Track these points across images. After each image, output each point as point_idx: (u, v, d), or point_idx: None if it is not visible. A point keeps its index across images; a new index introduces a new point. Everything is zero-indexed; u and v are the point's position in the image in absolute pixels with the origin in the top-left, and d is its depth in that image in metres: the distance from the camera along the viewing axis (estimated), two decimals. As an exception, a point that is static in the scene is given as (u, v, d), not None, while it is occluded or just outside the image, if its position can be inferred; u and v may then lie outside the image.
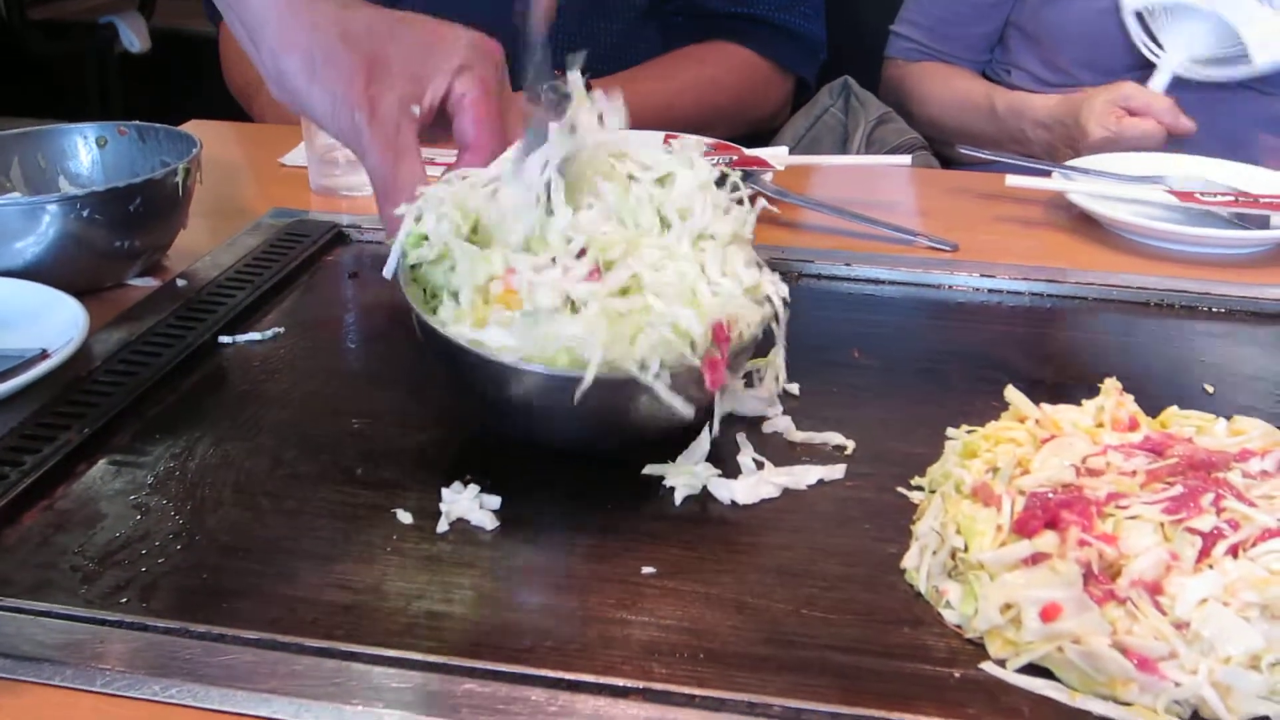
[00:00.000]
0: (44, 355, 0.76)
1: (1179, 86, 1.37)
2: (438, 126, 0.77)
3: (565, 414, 0.63)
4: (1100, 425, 0.68)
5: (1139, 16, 1.41)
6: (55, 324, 0.80)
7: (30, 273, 0.86)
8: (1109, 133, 1.30)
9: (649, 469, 0.69)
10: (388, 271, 0.69)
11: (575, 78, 0.70)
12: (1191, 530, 0.57)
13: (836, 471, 0.70)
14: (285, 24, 0.73)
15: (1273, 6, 1.34)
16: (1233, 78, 1.38)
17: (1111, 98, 1.32)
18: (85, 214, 0.86)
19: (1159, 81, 1.38)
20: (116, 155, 1.01)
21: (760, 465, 0.70)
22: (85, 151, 1.01)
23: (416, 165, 0.73)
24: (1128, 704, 0.52)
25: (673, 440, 0.68)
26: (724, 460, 0.70)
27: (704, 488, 0.68)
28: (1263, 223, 1.06)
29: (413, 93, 0.74)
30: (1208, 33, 1.37)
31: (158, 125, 1.01)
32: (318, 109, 0.73)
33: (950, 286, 0.97)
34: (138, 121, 1.01)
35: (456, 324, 0.66)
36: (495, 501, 0.66)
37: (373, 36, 0.74)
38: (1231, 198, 1.10)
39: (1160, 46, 1.40)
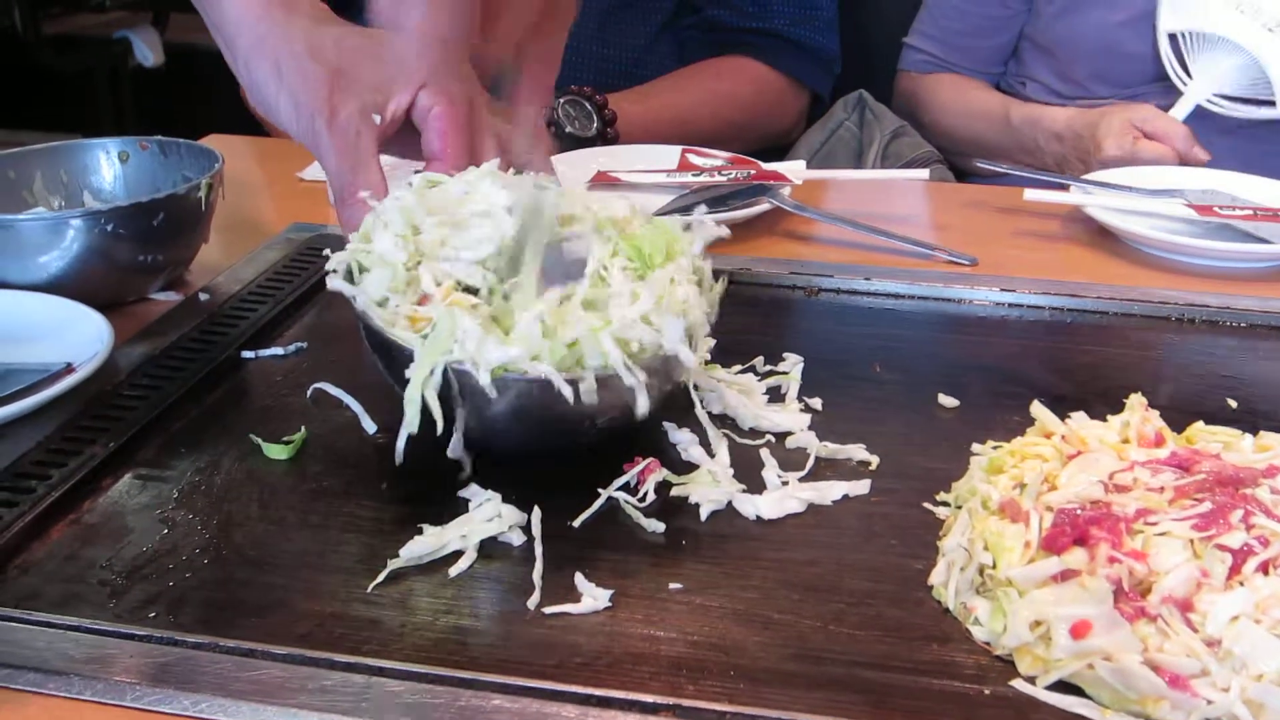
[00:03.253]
0: (69, 369, 0.77)
1: (1205, 114, 1.37)
2: (409, 140, 0.79)
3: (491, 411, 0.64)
4: (1126, 441, 0.68)
5: (1172, 39, 1.41)
6: (80, 338, 0.80)
7: (54, 287, 0.86)
8: (1123, 152, 1.30)
9: (676, 490, 0.69)
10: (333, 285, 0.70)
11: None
12: (1221, 547, 0.56)
13: (861, 487, 0.70)
14: (258, 36, 0.78)
15: None
16: (1254, 118, 1.38)
17: (1130, 117, 1.32)
18: (109, 228, 0.87)
19: (1180, 110, 1.38)
20: (138, 170, 1.02)
21: (785, 481, 0.70)
22: (107, 166, 1.02)
23: (372, 172, 0.76)
24: (1159, 721, 0.52)
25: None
26: (749, 476, 0.70)
27: (729, 503, 0.68)
28: (1281, 236, 1.06)
29: (375, 102, 0.77)
30: (1239, 70, 1.37)
31: (179, 140, 1.02)
32: (283, 114, 0.78)
33: (970, 301, 0.97)
34: (159, 136, 1.02)
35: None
36: (522, 517, 0.66)
37: (340, 49, 0.78)
38: (1250, 211, 1.10)
39: (1188, 73, 1.40)
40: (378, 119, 0.77)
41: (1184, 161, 1.28)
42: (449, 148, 0.77)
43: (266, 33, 0.78)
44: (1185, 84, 1.40)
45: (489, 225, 0.69)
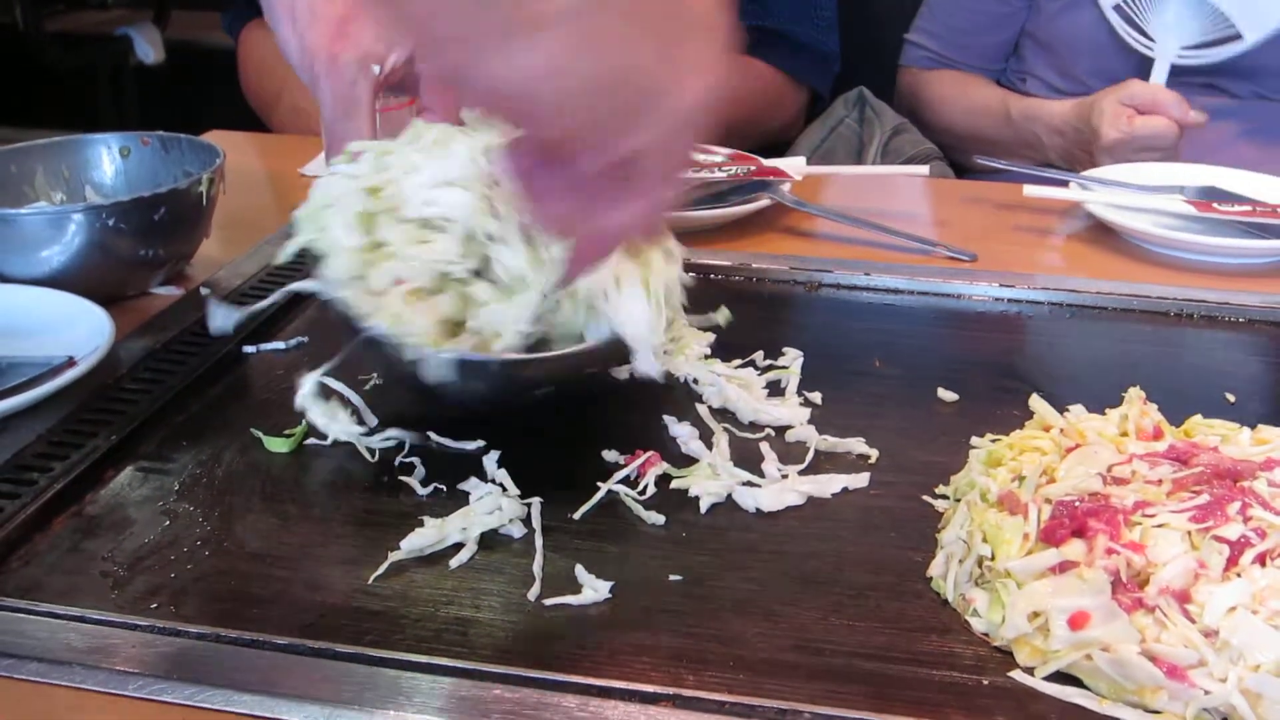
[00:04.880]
0: (71, 363, 0.77)
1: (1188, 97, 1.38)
2: (409, 91, 0.81)
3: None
4: (1125, 434, 0.68)
5: (1118, 10, 1.41)
6: (81, 332, 0.80)
7: (56, 281, 0.87)
8: (1122, 134, 1.30)
9: (676, 483, 0.69)
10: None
11: None
12: (1219, 538, 0.57)
13: (861, 480, 0.70)
14: None
15: None
16: (1231, 55, 1.38)
17: (1119, 97, 1.32)
18: (110, 223, 0.87)
19: (1158, 73, 1.38)
20: (140, 165, 1.02)
21: (784, 474, 0.70)
22: (109, 161, 1.02)
23: (363, 120, 0.78)
24: (1157, 712, 0.52)
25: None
26: (748, 469, 0.70)
27: (729, 496, 0.68)
28: (1280, 232, 1.06)
29: (375, 53, 0.78)
30: (1189, 14, 1.37)
31: (180, 135, 1.02)
32: (291, 54, 0.80)
33: (970, 296, 0.97)
34: (161, 131, 1.02)
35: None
36: (522, 510, 0.66)
37: (350, 1, 0.79)
38: (1249, 207, 1.10)
39: (1149, 39, 1.41)
40: (377, 69, 0.78)
41: (1182, 125, 1.29)
42: (442, 99, 0.77)
43: None
44: (1151, 48, 1.40)
45: (445, 240, 0.70)
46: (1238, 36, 1.37)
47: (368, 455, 0.72)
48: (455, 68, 0.42)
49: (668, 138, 0.45)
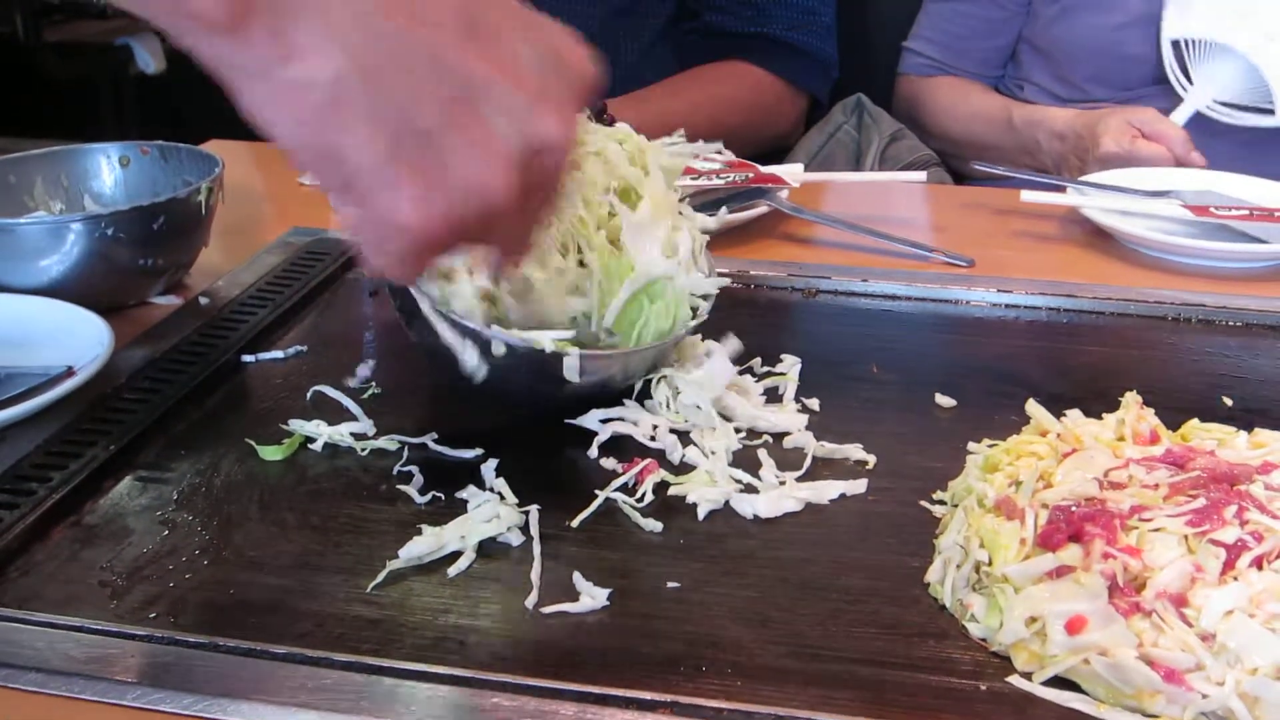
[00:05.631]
0: (70, 372, 0.77)
1: (1206, 120, 1.38)
2: None
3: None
4: (1121, 439, 0.68)
5: (1175, 45, 1.42)
6: (80, 341, 0.81)
7: (55, 290, 0.87)
8: (1120, 149, 1.31)
9: (674, 490, 0.69)
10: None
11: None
12: (1215, 542, 0.57)
13: (858, 486, 0.70)
14: None
15: None
16: (1254, 125, 1.39)
17: (1130, 118, 1.32)
18: (109, 232, 0.87)
19: (1180, 115, 1.39)
20: (139, 174, 1.02)
21: (782, 480, 0.70)
22: (108, 171, 1.02)
23: None
24: (1155, 716, 0.53)
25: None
26: (746, 475, 0.70)
27: (727, 503, 0.68)
28: (1278, 236, 1.06)
29: None
30: (1239, 78, 1.38)
31: (180, 145, 1.02)
32: None
33: (967, 302, 0.98)
34: (160, 141, 1.02)
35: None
36: (520, 517, 0.66)
37: None
38: (1246, 211, 1.10)
39: (1189, 79, 1.41)
40: None
41: (1180, 164, 1.29)
42: None
43: None
44: (1186, 90, 1.41)
45: None
46: (1270, 111, 1.37)
47: (366, 464, 0.72)
48: (230, 91, 0.48)
49: (371, 231, 0.50)
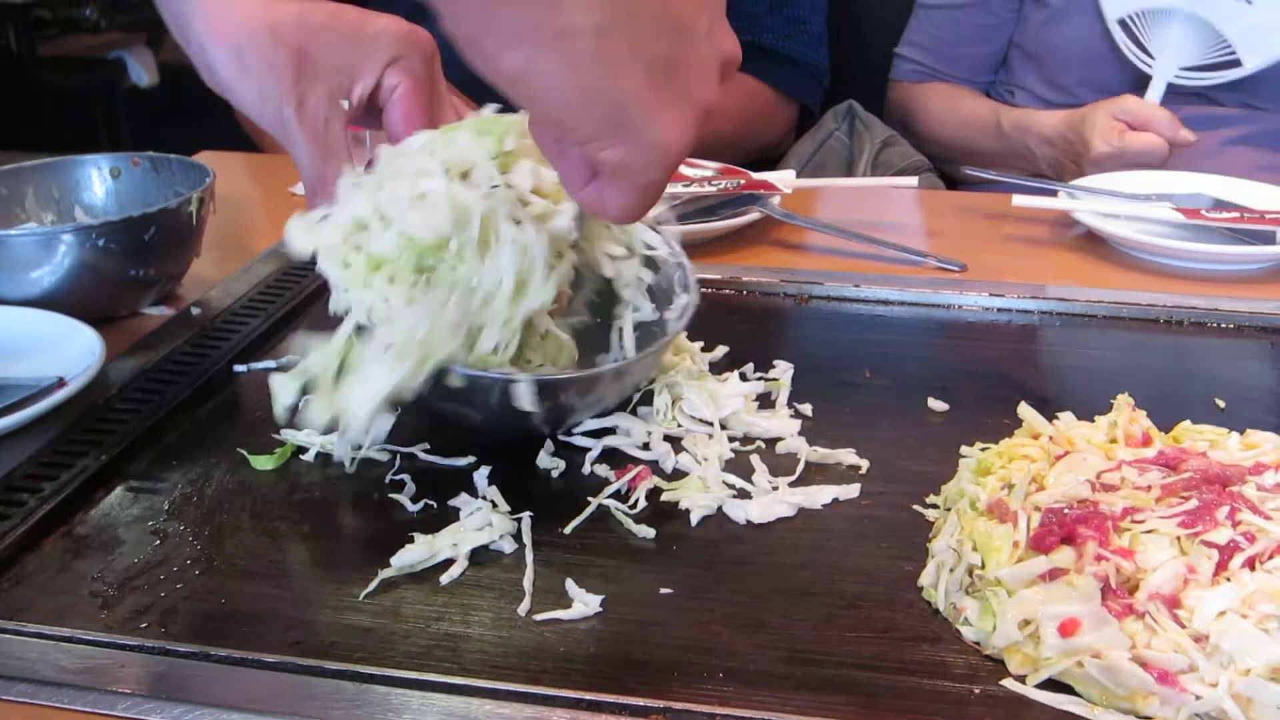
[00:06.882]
0: (61, 383, 0.77)
1: (1176, 106, 1.38)
2: (370, 117, 0.77)
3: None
4: (1114, 441, 0.68)
5: (1123, 25, 1.42)
6: (72, 352, 0.81)
7: (46, 302, 0.87)
8: (1112, 148, 1.31)
9: (666, 496, 0.69)
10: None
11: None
12: (1208, 543, 0.57)
13: (851, 490, 0.70)
14: (214, 16, 0.74)
15: (1249, 2, 1.34)
16: (1227, 80, 1.39)
17: (1112, 111, 1.33)
18: (100, 243, 0.87)
19: (1154, 92, 1.39)
20: (130, 186, 1.02)
21: (774, 485, 0.70)
22: (99, 182, 1.02)
23: (343, 160, 0.74)
24: (1149, 717, 0.52)
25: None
26: (739, 480, 0.70)
27: (719, 509, 0.68)
28: (1268, 238, 1.07)
29: (341, 86, 0.75)
30: (1192, 37, 1.38)
31: (171, 156, 1.02)
32: (246, 101, 0.74)
33: (959, 306, 0.98)
34: (151, 152, 1.02)
35: None
36: (513, 525, 0.66)
37: (302, 29, 0.74)
38: (1237, 214, 1.10)
39: (1150, 56, 1.42)
40: (345, 104, 0.75)
41: (1172, 144, 1.29)
42: (411, 128, 0.75)
43: (223, 13, 0.74)
44: (1150, 65, 1.41)
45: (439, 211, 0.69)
46: (1236, 62, 1.37)
47: (358, 473, 0.72)
48: (482, 58, 0.48)
49: (638, 160, 0.53)
